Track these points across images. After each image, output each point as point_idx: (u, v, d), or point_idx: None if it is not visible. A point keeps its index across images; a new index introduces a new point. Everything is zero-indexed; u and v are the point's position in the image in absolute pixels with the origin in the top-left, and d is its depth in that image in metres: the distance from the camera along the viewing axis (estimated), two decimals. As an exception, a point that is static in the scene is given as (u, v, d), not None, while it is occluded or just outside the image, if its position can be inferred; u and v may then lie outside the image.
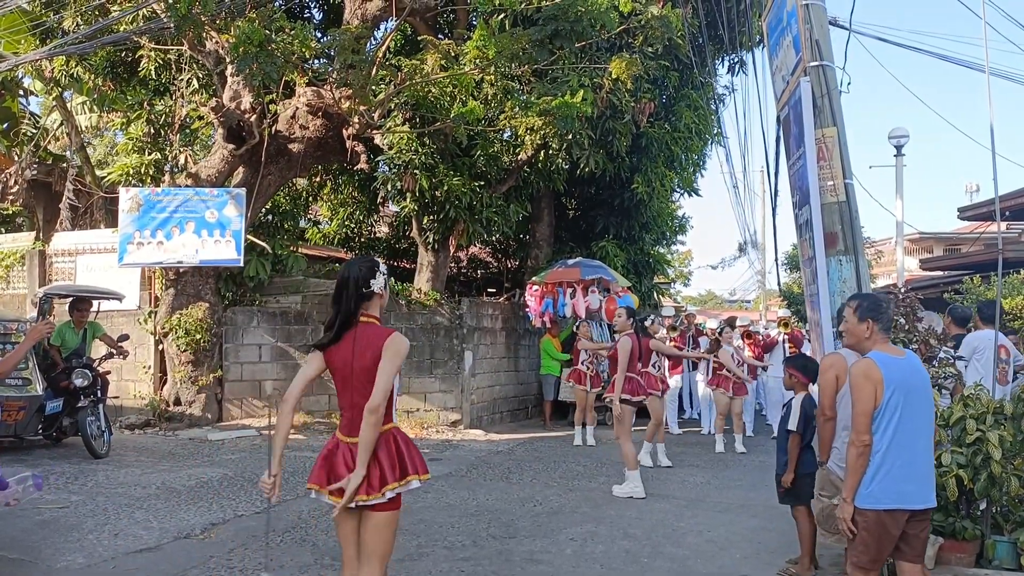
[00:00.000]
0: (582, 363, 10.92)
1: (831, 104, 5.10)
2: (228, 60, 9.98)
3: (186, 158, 11.21)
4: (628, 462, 7.43)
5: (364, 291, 3.25)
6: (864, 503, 3.52)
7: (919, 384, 3.61)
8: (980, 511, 4.78)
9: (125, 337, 9.39)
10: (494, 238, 16.55)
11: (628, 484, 7.39)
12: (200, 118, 11.72)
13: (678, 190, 16.01)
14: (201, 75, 11.61)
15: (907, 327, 5.35)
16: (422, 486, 3.29)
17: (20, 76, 13.89)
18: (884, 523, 3.50)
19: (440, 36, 12.87)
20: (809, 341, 9.79)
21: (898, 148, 11.58)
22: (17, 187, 13.04)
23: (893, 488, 3.49)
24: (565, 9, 10.53)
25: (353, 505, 3.13)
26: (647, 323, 8.85)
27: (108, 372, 9.40)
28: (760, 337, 12.32)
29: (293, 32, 9.40)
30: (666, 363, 10.45)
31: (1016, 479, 4.51)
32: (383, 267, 3.34)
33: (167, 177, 10.91)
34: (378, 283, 3.28)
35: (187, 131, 12.22)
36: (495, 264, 18.53)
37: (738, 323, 12.34)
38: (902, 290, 5.62)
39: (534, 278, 12.78)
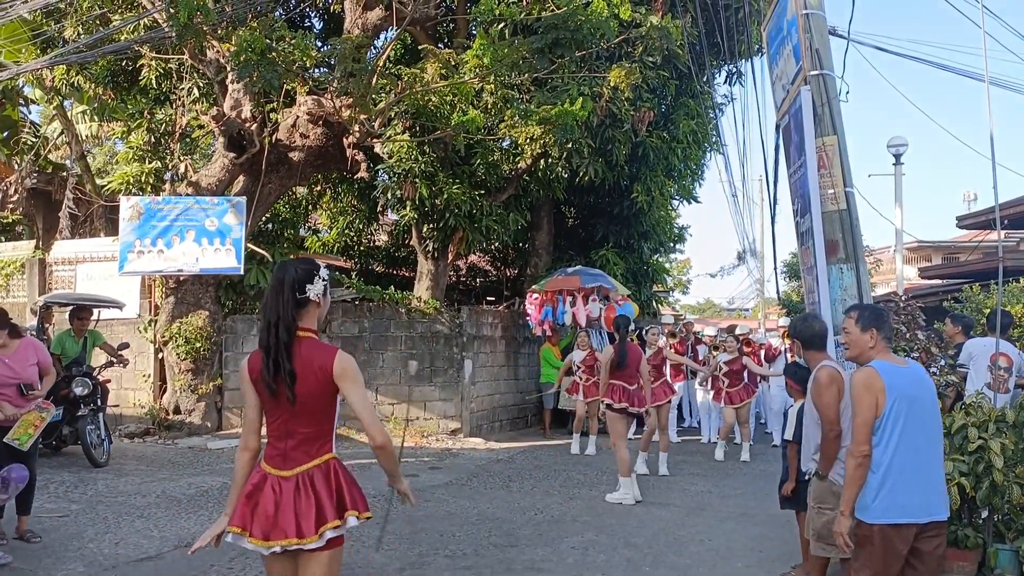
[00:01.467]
0: (576, 374, 10.88)
1: (831, 113, 5.14)
2: (229, 69, 10.01)
3: (186, 167, 11.21)
4: (620, 468, 7.43)
5: (298, 297, 2.84)
6: (869, 517, 3.36)
7: (924, 395, 3.47)
8: (982, 519, 4.79)
9: (125, 345, 9.41)
10: (494, 246, 16.62)
11: (620, 490, 7.41)
12: (200, 127, 11.75)
13: (677, 198, 16.05)
14: (202, 84, 11.64)
15: (908, 335, 5.37)
16: (360, 523, 2.92)
17: (21, 85, 13.96)
18: (890, 538, 3.34)
19: (440, 45, 12.94)
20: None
21: (897, 157, 11.59)
22: (17, 196, 13.08)
23: (899, 501, 3.34)
24: (565, 18, 10.58)
25: (279, 549, 2.78)
26: (645, 333, 8.83)
27: (108, 381, 9.40)
28: (759, 345, 12.30)
29: (294, 41, 9.42)
30: (668, 370, 10.42)
31: (1018, 487, 4.51)
32: (324, 272, 2.92)
33: (167, 186, 10.91)
34: (316, 289, 2.86)
35: (187, 140, 12.25)
36: (495, 272, 18.54)
37: (738, 331, 12.32)
38: (903, 298, 5.63)
39: (534, 286, 12.78)
